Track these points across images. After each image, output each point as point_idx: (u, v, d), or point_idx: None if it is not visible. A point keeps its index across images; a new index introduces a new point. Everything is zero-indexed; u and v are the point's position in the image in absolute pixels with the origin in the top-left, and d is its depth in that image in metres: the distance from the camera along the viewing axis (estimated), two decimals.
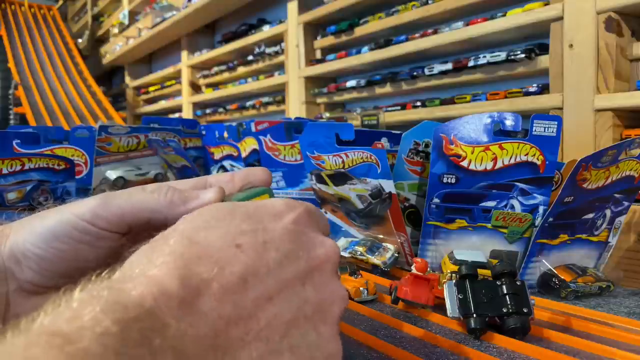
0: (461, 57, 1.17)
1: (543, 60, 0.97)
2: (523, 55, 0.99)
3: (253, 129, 0.90)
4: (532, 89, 1.00)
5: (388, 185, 0.59)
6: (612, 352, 0.37)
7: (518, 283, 0.41)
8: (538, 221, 0.55)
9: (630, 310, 0.48)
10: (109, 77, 3.72)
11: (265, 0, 1.98)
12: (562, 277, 0.52)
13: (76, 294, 0.18)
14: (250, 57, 1.94)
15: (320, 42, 1.61)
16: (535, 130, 0.54)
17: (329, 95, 1.57)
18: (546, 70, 0.95)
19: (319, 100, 1.64)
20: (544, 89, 0.98)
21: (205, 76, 2.33)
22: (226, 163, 1.07)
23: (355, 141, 0.63)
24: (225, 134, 1.07)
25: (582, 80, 0.87)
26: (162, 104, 2.80)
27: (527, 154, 0.54)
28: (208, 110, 2.32)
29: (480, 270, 0.44)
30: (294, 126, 0.83)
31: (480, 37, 1.08)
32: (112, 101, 3.20)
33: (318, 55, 1.64)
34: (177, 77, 2.61)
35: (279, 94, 1.86)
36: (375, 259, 0.59)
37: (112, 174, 0.97)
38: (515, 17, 0.99)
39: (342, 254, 0.61)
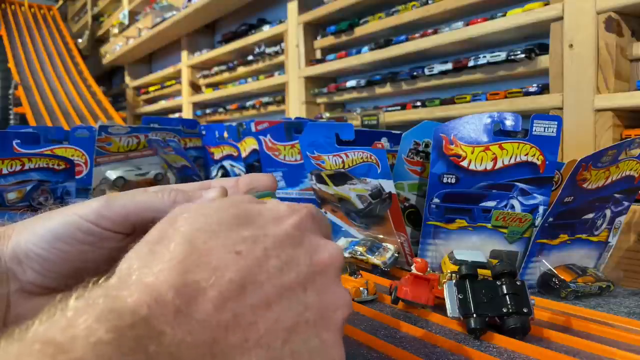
0: (461, 57, 1.17)
1: (543, 60, 0.97)
2: (523, 55, 0.99)
3: (253, 129, 0.90)
4: (532, 89, 1.00)
5: (388, 185, 0.59)
6: (612, 352, 0.37)
7: (518, 283, 0.41)
8: (538, 221, 0.55)
9: (630, 310, 0.48)
10: (109, 77, 3.72)
11: (265, 0, 1.98)
12: (562, 277, 0.52)
13: (72, 301, 0.18)
14: (250, 57, 1.94)
15: (320, 42, 1.61)
16: (535, 130, 0.54)
17: (329, 95, 1.57)
18: (546, 70, 0.95)
19: (319, 100, 1.64)
20: (544, 89, 0.98)
21: (205, 76, 2.33)
22: (226, 163, 1.07)
23: (355, 141, 0.63)
24: (225, 134, 1.07)
25: (582, 80, 0.87)
26: (162, 104, 2.80)
27: (527, 154, 0.54)
28: (208, 110, 2.32)
29: (480, 270, 0.44)
30: (294, 126, 0.83)
31: (480, 37, 1.08)
32: (112, 101, 3.20)
33: (318, 55, 1.64)
34: (177, 77, 2.61)
35: (279, 94, 1.86)
36: (375, 259, 0.59)
37: (112, 174, 0.97)
38: (515, 17, 0.99)
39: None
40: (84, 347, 0.16)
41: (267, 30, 1.83)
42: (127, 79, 3.20)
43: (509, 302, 0.40)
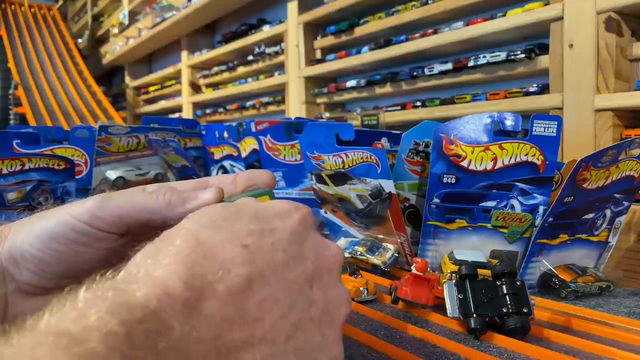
0: (461, 57, 1.17)
1: (543, 60, 0.97)
2: (523, 55, 0.99)
3: (253, 129, 0.90)
4: (532, 89, 1.00)
5: (388, 185, 0.59)
6: (612, 352, 0.37)
7: (518, 283, 0.41)
8: (538, 221, 0.55)
9: (630, 310, 0.48)
10: (109, 77, 3.72)
11: (265, 0, 1.98)
12: (562, 277, 0.52)
13: (81, 294, 0.18)
14: (250, 57, 1.94)
15: (320, 42, 1.61)
16: (535, 130, 0.54)
17: (329, 95, 1.57)
18: (546, 70, 0.95)
19: (319, 100, 1.64)
20: (544, 89, 0.98)
21: (205, 76, 2.33)
22: (226, 163, 1.07)
23: (355, 141, 0.63)
24: (225, 134, 1.07)
25: (582, 80, 0.87)
26: (162, 104, 2.80)
27: (527, 154, 0.54)
28: (208, 110, 2.32)
29: (480, 270, 0.44)
30: (294, 126, 0.83)
31: (480, 37, 1.08)
32: (112, 101, 3.20)
33: (318, 55, 1.64)
34: (177, 77, 2.61)
35: (279, 94, 1.86)
36: (375, 259, 0.59)
37: (112, 174, 0.97)
38: (515, 17, 0.99)
39: None
40: (97, 339, 0.16)
41: (267, 30, 1.83)
42: (127, 79, 3.20)
43: (509, 302, 0.40)
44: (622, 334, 0.41)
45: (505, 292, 0.41)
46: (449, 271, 0.52)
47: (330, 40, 1.55)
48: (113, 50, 3.17)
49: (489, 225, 0.56)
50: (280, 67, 1.83)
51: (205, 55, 2.26)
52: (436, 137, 0.56)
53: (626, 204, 0.57)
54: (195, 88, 2.44)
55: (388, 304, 0.49)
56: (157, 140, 1.00)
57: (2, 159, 0.70)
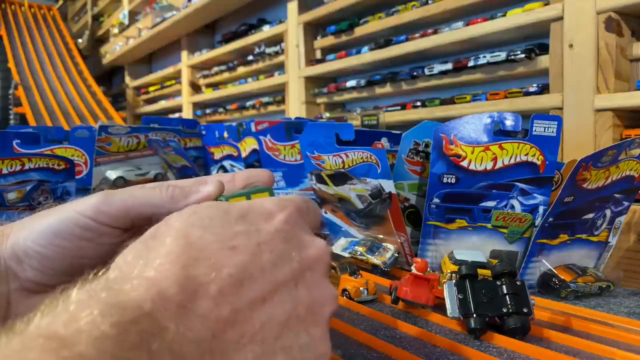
0: (461, 57, 1.17)
1: (543, 60, 0.97)
2: (523, 55, 0.99)
3: (253, 129, 0.90)
4: (532, 89, 1.00)
5: (388, 185, 0.59)
6: (612, 352, 0.37)
7: (518, 283, 0.41)
8: (538, 221, 0.55)
9: (630, 310, 0.48)
10: (109, 77, 3.72)
11: (265, 0, 1.98)
12: (562, 277, 0.52)
13: (74, 294, 0.18)
14: (250, 57, 1.94)
15: (320, 42, 1.61)
16: (535, 130, 0.54)
17: (329, 95, 1.57)
18: (546, 70, 0.95)
19: (319, 100, 1.64)
20: (544, 89, 0.98)
21: (205, 76, 2.33)
22: (226, 163, 1.07)
23: (355, 141, 0.63)
24: (225, 134, 1.07)
25: (582, 80, 0.87)
26: (162, 104, 2.80)
27: (527, 154, 0.54)
28: (208, 110, 2.32)
29: (480, 270, 0.44)
30: (294, 126, 0.83)
31: (480, 37, 1.08)
32: (112, 101, 3.20)
33: (318, 55, 1.64)
34: (177, 77, 2.61)
35: (279, 94, 1.86)
36: (375, 259, 0.59)
37: (112, 174, 0.97)
38: (515, 17, 0.99)
39: (342, 254, 0.61)
40: (86, 342, 0.16)
41: (267, 30, 1.83)
42: (127, 79, 3.20)
43: (509, 302, 0.40)
44: (622, 334, 0.41)
45: (505, 292, 0.41)
46: (449, 271, 0.52)
47: (330, 40, 1.55)
48: (113, 50, 3.17)
49: (489, 225, 0.56)
50: (280, 67, 1.83)
51: (205, 55, 2.26)
52: (436, 137, 0.56)
53: (626, 204, 0.57)
54: (195, 88, 2.44)
55: (388, 304, 0.49)
56: (157, 140, 1.00)
57: (2, 159, 0.70)
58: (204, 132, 1.13)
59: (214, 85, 2.30)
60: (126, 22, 2.98)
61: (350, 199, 0.63)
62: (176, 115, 2.65)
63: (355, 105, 1.60)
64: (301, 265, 0.23)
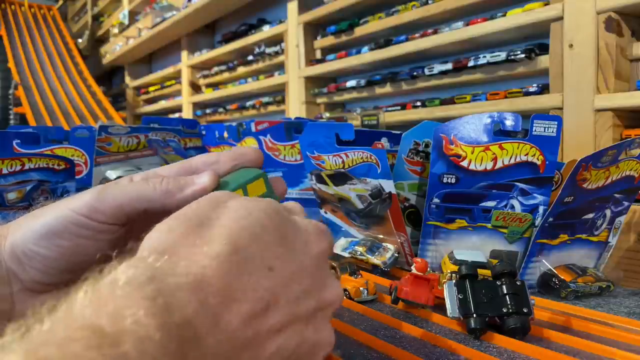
0: (461, 57, 1.17)
1: (543, 60, 0.97)
2: (523, 55, 0.99)
3: (253, 129, 0.90)
4: (532, 89, 1.00)
5: (388, 185, 0.59)
6: (612, 352, 0.37)
7: (518, 283, 0.41)
8: (538, 221, 0.54)
9: (630, 310, 0.48)
10: (109, 77, 3.72)
11: (265, 0, 1.98)
12: (562, 277, 0.52)
13: (121, 279, 0.17)
14: (250, 57, 1.94)
15: (320, 42, 1.61)
16: (535, 130, 0.54)
17: (329, 95, 1.57)
18: (546, 70, 0.95)
19: (319, 100, 1.64)
20: (544, 89, 0.98)
21: (205, 76, 2.33)
22: None
23: (355, 141, 0.63)
24: (225, 134, 1.07)
25: (582, 80, 0.87)
26: (162, 104, 2.80)
27: (527, 154, 0.54)
28: (208, 110, 2.31)
29: (480, 270, 0.44)
30: (294, 126, 0.83)
31: (480, 37, 1.08)
32: (112, 101, 3.20)
33: (318, 55, 1.64)
34: (177, 77, 2.61)
35: (279, 94, 1.86)
36: (375, 259, 0.59)
37: (112, 174, 0.97)
38: (515, 17, 0.99)
39: (342, 253, 0.61)
40: (131, 341, 0.15)
41: (267, 30, 1.83)
42: (127, 79, 3.20)
43: (509, 302, 0.40)
44: (622, 334, 0.41)
45: (505, 292, 0.41)
46: (449, 271, 0.52)
47: (330, 40, 1.55)
48: (113, 50, 3.17)
49: (489, 225, 0.56)
50: (280, 67, 1.83)
51: (205, 55, 2.26)
52: (436, 137, 0.56)
53: (626, 204, 0.57)
54: (195, 88, 2.44)
55: (388, 304, 0.49)
56: (157, 140, 1.00)
57: (2, 159, 0.70)
58: (204, 132, 1.13)
59: (214, 85, 2.30)
60: (126, 22, 2.98)
61: (350, 199, 0.63)
62: (176, 115, 2.65)
63: (355, 105, 1.59)
64: (317, 305, 0.23)
